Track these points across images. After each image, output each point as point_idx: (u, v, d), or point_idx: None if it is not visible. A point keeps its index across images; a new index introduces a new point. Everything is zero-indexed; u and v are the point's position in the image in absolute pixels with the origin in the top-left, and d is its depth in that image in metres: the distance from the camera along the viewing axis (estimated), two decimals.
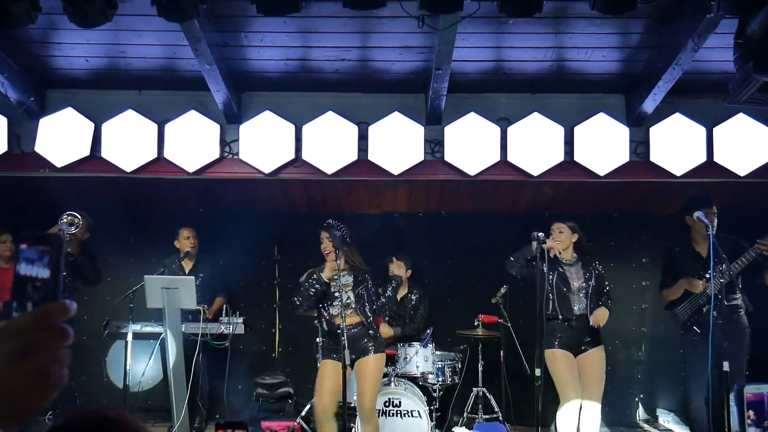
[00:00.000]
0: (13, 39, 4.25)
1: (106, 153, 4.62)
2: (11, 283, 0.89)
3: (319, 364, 5.25)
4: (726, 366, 4.08)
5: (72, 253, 4.82)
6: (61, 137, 4.59)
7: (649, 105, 4.57)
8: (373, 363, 4.25)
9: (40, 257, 0.90)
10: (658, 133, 4.71)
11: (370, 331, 4.29)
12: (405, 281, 5.78)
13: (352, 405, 5.07)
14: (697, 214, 4.24)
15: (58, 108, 4.65)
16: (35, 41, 4.37)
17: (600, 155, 4.68)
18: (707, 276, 4.50)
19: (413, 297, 5.91)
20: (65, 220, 4.70)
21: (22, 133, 4.68)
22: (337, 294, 4.20)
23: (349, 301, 4.29)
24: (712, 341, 4.04)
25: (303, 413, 5.50)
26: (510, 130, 4.65)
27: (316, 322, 5.14)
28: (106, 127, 4.62)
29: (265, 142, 4.61)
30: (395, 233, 6.47)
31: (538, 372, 4.15)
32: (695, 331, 4.69)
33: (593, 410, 4.41)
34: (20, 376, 0.78)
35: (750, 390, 1.54)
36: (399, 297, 5.83)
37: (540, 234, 4.09)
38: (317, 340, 5.37)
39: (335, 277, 4.15)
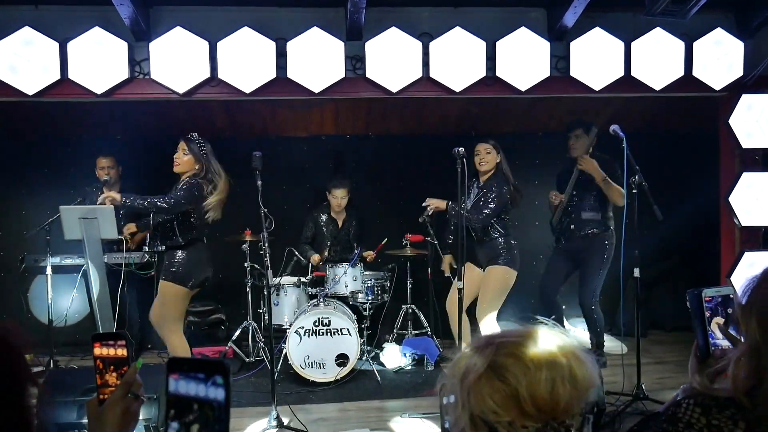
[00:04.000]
0: None
1: (3, 76, 4.29)
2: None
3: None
4: (636, 272, 4.32)
5: None
6: None
7: (570, 18, 4.54)
8: None
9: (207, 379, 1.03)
10: (578, 47, 4.72)
11: None
12: (343, 209, 5.79)
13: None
14: (613, 127, 4.32)
15: None
16: None
17: (522, 70, 4.66)
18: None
19: (353, 223, 5.91)
20: None
21: None
22: None
23: None
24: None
25: (234, 337, 5.53)
26: (432, 45, 4.56)
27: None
28: (0, 46, 4.27)
29: (178, 61, 4.37)
30: (334, 158, 6.45)
31: (460, 285, 4.27)
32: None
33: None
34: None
35: (709, 293, 1.55)
36: (339, 224, 5.85)
37: (461, 150, 4.09)
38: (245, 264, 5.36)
39: None
